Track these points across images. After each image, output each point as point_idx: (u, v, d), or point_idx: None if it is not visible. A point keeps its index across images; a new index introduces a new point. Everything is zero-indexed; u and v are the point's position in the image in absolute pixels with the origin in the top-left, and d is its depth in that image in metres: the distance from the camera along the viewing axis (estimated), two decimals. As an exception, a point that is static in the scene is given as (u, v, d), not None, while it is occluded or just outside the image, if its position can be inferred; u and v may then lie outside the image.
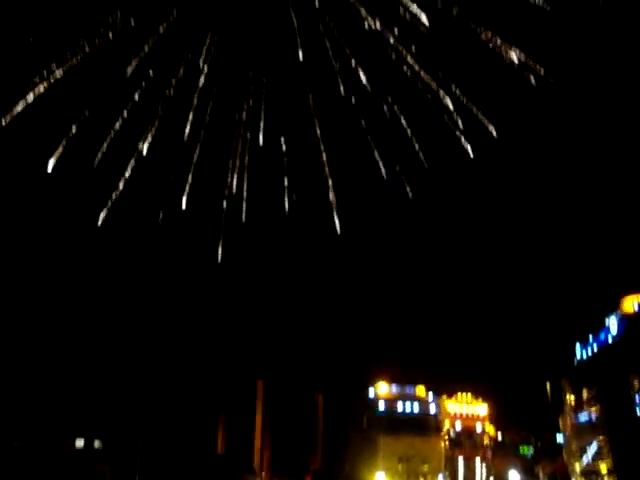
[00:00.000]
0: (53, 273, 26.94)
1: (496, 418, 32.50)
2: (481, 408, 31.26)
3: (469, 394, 31.35)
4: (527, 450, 40.73)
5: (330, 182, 25.90)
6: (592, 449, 13.74)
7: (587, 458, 14.03)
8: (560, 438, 20.92)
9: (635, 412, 12.42)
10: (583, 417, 14.17)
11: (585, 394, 14.76)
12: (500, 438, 34.09)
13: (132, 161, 23.41)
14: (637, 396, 12.24)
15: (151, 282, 27.30)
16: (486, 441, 30.86)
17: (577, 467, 14.49)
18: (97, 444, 27.62)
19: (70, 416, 26.95)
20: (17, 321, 25.49)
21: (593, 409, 13.91)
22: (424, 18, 21.82)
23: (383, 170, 24.82)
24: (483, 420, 31.04)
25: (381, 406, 25.97)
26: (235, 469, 19.52)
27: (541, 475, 37.10)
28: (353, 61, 23.61)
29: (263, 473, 21.24)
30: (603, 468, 12.94)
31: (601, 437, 13.10)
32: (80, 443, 27.50)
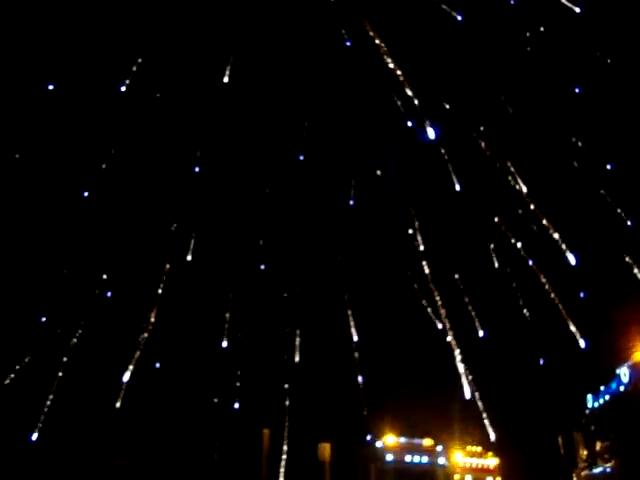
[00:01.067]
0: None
1: (507, 472, 31.90)
2: (491, 461, 30.74)
3: (479, 447, 30.90)
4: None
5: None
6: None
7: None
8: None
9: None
10: (597, 470, 13.91)
11: (598, 446, 14.49)
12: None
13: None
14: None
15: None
16: (497, 495, 30.23)
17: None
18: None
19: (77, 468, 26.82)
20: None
21: (608, 462, 13.64)
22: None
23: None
24: (493, 473, 30.46)
25: (389, 457, 25.57)
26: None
27: None
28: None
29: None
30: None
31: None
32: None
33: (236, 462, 32.18)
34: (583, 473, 15.33)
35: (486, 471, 30.29)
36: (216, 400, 29.84)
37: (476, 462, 30.18)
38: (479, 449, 30.61)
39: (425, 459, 26.13)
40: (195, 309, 29.68)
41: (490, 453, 30.84)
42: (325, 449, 32.32)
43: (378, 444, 26.11)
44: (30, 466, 24.90)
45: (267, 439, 32.13)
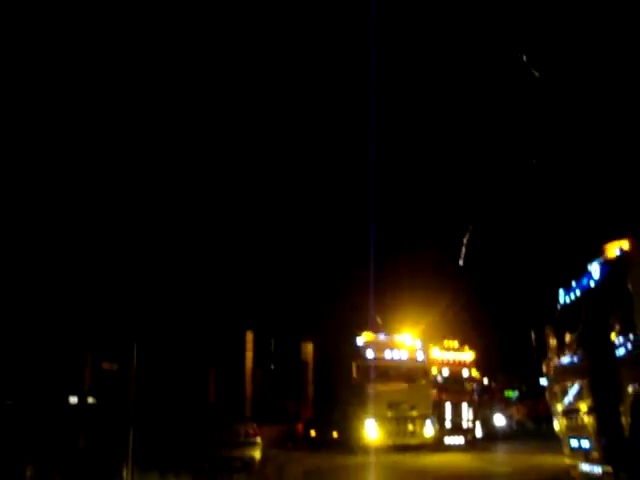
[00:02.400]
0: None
1: (482, 364, 33.24)
2: (467, 355, 31.92)
3: (456, 341, 31.97)
4: (512, 394, 41.94)
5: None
6: (573, 390, 14.21)
7: (568, 399, 14.50)
8: (543, 381, 21.45)
9: (614, 353, 12.80)
10: (565, 360, 14.62)
11: (567, 338, 15.17)
12: (486, 383, 35.01)
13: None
14: (618, 338, 12.57)
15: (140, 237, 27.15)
16: (472, 386, 31.56)
17: (559, 407, 14.92)
18: (91, 400, 28.08)
19: (63, 375, 27.27)
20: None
21: (575, 352, 14.33)
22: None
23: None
24: (469, 366, 31.69)
25: (369, 354, 26.42)
26: (227, 417, 20.01)
27: (515, 415, 38.63)
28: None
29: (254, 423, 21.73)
30: (583, 407, 13.38)
31: (582, 379, 13.51)
32: (74, 400, 27.92)
33: (222, 363, 33.11)
34: (552, 363, 16.09)
35: (462, 364, 31.53)
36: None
37: (453, 356, 31.36)
38: (455, 343, 31.71)
39: (405, 356, 27.01)
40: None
41: (466, 347, 31.96)
42: (307, 348, 33.38)
43: (358, 341, 26.84)
44: (15, 374, 25.16)
45: (250, 340, 33.08)
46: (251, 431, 18.61)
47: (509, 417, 37.64)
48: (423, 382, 27.67)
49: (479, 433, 31.65)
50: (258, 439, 18.74)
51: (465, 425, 30.66)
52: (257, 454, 18.57)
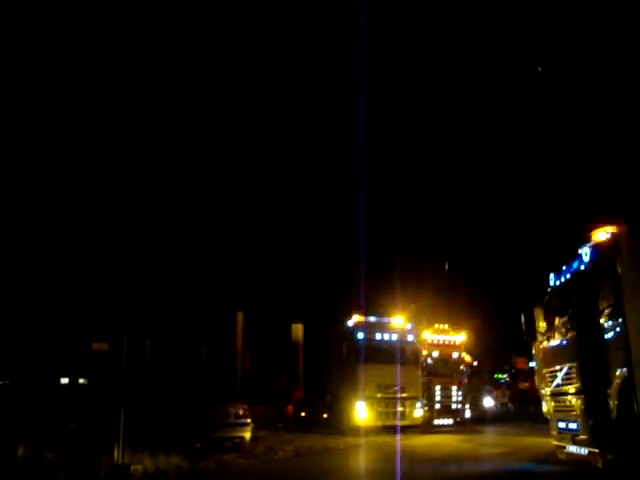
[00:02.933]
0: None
1: (472, 346, 33.45)
2: (458, 337, 32.11)
3: (446, 324, 32.15)
4: (502, 376, 42.29)
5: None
6: (562, 373, 14.36)
7: (557, 381, 14.66)
8: (533, 364, 21.65)
9: (603, 337, 12.90)
10: (554, 343, 14.75)
11: (557, 321, 15.28)
12: (476, 365, 35.23)
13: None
14: (607, 322, 12.67)
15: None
16: (462, 368, 31.79)
17: (547, 390, 15.07)
18: (82, 381, 28.11)
19: (54, 356, 27.23)
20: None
21: (564, 335, 14.44)
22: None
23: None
24: (460, 348, 31.93)
25: (360, 335, 26.49)
26: (217, 398, 20.07)
27: (500, 399, 39.14)
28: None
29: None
30: (571, 389, 13.55)
31: (571, 361, 13.65)
32: (65, 380, 27.94)
33: (212, 343, 33.16)
34: (541, 346, 16.21)
35: (452, 347, 31.74)
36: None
37: (443, 339, 31.55)
38: (446, 326, 31.89)
39: (395, 337, 27.12)
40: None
41: (456, 330, 32.13)
42: (298, 330, 33.45)
43: (349, 323, 26.92)
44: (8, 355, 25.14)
45: (241, 320, 33.11)
46: (241, 412, 18.69)
47: (495, 399, 38.09)
48: (413, 364, 27.80)
49: (468, 415, 31.97)
50: (248, 420, 18.83)
51: (454, 407, 30.94)
52: (247, 434, 18.67)
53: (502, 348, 39.90)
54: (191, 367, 30.61)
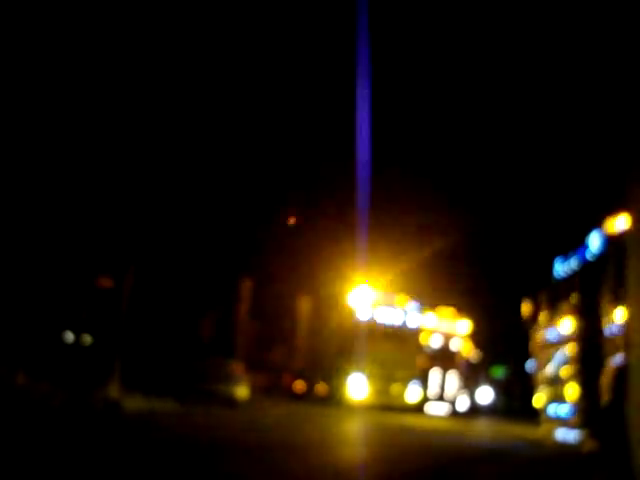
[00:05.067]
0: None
1: (474, 335, 33.25)
2: (461, 325, 31.88)
3: (450, 308, 31.70)
4: (498, 371, 42.16)
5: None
6: (560, 358, 14.46)
7: (554, 366, 14.76)
8: (530, 364, 21.67)
9: (603, 325, 12.97)
10: (555, 328, 14.82)
11: (559, 307, 15.31)
12: (475, 357, 35.14)
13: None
14: (608, 311, 12.74)
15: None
16: (461, 358, 31.74)
17: (544, 374, 15.22)
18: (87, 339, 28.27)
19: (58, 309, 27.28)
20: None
21: (565, 321, 14.50)
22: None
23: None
24: (461, 338, 31.84)
25: (363, 311, 26.56)
26: (214, 354, 20.30)
27: (496, 390, 39.23)
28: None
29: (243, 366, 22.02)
30: (567, 374, 13.66)
31: (570, 347, 13.74)
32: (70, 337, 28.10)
33: (218, 308, 33.36)
34: (542, 331, 16.29)
35: (454, 334, 31.68)
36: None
37: (446, 325, 31.47)
38: (449, 310, 31.66)
39: (397, 315, 27.15)
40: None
41: (459, 315, 31.91)
42: (302, 301, 33.61)
43: (352, 298, 27.00)
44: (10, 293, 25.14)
45: (248, 288, 33.31)
46: (236, 369, 18.89)
47: (492, 392, 38.13)
48: (413, 345, 27.88)
49: (462, 404, 31.98)
50: (244, 377, 19.02)
51: (449, 394, 30.96)
52: (241, 392, 18.85)
53: (502, 342, 39.82)
54: (195, 325, 30.86)
